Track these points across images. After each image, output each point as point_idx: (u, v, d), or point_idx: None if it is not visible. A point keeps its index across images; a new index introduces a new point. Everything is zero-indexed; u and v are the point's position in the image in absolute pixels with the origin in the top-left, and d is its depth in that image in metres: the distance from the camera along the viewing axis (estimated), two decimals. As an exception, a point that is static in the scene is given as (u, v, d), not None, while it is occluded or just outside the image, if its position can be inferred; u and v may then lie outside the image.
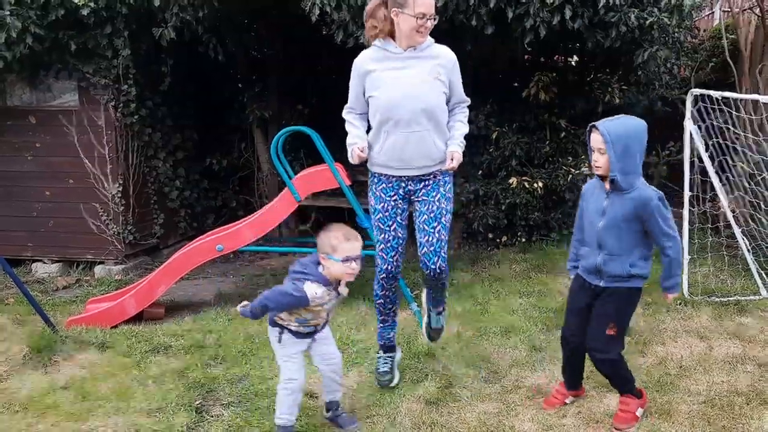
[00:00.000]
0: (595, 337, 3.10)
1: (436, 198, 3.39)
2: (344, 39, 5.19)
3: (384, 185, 3.42)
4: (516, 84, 6.85)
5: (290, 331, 3.05)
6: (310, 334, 3.10)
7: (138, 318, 4.88)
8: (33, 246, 6.36)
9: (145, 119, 6.32)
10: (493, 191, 6.53)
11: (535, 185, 6.38)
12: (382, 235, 3.45)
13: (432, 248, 3.35)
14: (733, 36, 6.73)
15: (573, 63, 7.36)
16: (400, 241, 3.47)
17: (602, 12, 5.08)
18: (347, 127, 3.45)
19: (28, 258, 6.40)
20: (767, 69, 6.33)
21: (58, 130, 6.15)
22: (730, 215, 5.08)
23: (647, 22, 5.16)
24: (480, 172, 6.73)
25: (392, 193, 3.40)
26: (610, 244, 3.01)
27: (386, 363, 3.68)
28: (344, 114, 3.51)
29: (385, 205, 3.41)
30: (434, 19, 3.28)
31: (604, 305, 3.08)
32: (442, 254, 3.38)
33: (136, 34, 5.86)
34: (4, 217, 6.31)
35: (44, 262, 6.35)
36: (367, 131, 3.45)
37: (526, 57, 7.15)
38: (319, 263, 2.96)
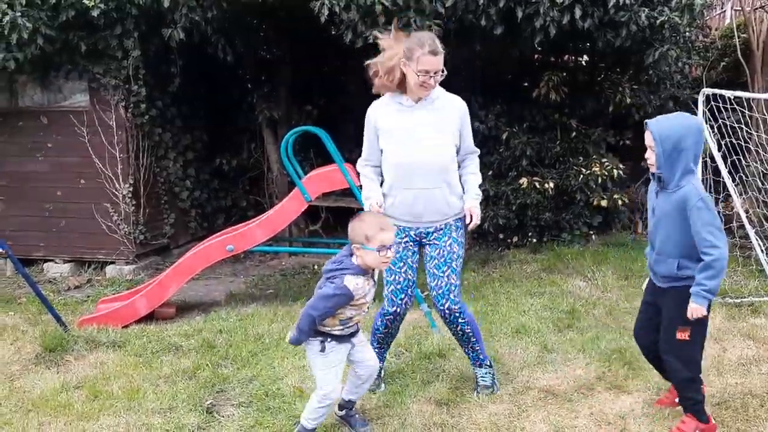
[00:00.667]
0: (669, 347, 2.97)
1: (447, 243, 3.39)
2: (353, 39, 5.19)
3: (395, 228, 3.42)
4: (526, 84, 6.83)
5: (333, 337, 2.94)
6: (352, 335, 3.01)
7: (149, 318, 4.89)
8: (45, 246, 6.40)
9: (155, 119, 6.34)
10: (504, 191, 6.51)
11: (546, 185, 6.35)
12: (393, 277, 3.43)
13: (441, 291, 3.38)
14: (744, 35, 6.68)
15: (583, 63, 7.33)
16: (410, 284, 3.45)
17: (612, 11, 5.05)
18: (362, 180, 3.47)
19: (40, 258, 6.44)
20: (780, 68, 6.28)
21: (70, 131, 6.18)
22: (743, 215, 5.03)
23: (658, 22, 5.13)
24: (490, 172, 6.71)
25: (403, 235, 3.40)
26: (659, 244, 2.94)
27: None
28: (359, 167, 3.49)
29: (397, 247, 3.40)
30: (441, 74, 3.23)
31: (668, 308, 2.96)
32: (452, 297, 3.38)
33: (146, 35, 5.88)
34: (17, 217, 6.36)
35: (56, 262, 6.39)
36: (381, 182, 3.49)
37: (536, 57, 7.13)
38: (351, 254, 2.90)
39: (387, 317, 3.48)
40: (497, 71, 6.89)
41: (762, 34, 6.50)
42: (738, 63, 6.62)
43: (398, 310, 3.45)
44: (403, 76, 3.27)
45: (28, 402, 3.55)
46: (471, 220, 3.33)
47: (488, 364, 3.61)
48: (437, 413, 3.33)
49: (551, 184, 6.38)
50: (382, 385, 3.65)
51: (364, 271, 2.86)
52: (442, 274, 3.37)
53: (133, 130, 6.21)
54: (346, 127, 7.35)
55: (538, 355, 4.01)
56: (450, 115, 3.34)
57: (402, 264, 3.41)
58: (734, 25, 6.90)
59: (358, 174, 5.17)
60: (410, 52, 3.21)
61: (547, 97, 6.38)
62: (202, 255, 5.02)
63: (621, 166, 6.47)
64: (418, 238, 3.41)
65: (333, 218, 7.37)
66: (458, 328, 3.48)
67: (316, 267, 6.53)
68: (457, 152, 3.41)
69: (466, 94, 6.57)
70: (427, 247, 3.43)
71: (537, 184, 6.37)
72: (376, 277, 2.98)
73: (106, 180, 6.20)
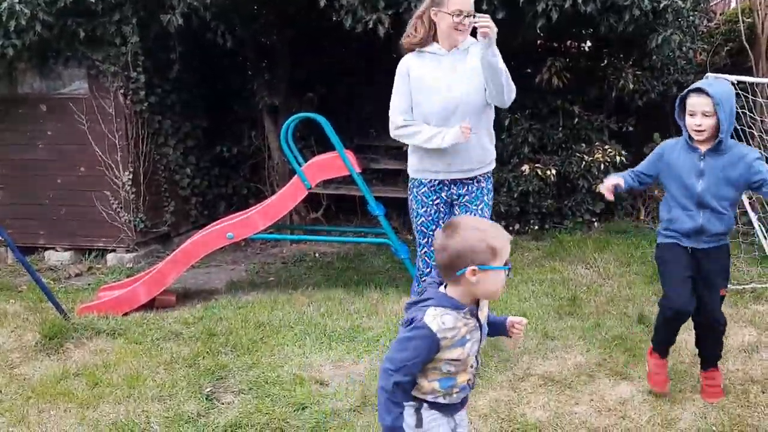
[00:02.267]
0: (716, 306, 3.11)
1: (480, 207, 3.42)
2: (353, 25, 5.14)
3: (426, 189, 3.42)
4: (529, 70, 6.77)
5: (433, 405, 2.01)
6: (461, 404, 2.08)
7: (149, 305, 4.88)
8: (45, 234, 6.39)
9: (155, 107, 6.31)
10: (506, 178, 6.47)
11: (548, 172, 6.31)
12: (425, 239, 3.44)
13: None
14: (749, 19, 6.61)
15: (586, 48, 7.27)
16: None
17: (615, -5, 5.00)
18: (411, 129, 3.31)
19: (40, 246, 6.43)
20: (785, 53, 6.21)
21: (69, 118, 6.15)
22: (746, 202, 5.00)
23: (661, 6, 5.08)
24: (492, 159, 6.66)
25: (435, 197, 3.40)
26: (715, 203, 2.99)
27: None
28: (398, 125, 3.35)
29: (428, 209, 3.41)
30: (473, 17, 3.22)
31: (715, 270, 3.08)
32: None
33: (145, 21, 5.83)
34: (17, 205, 6.34)
35: (56, 250, 6.38)
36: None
37: (538, 42, 7.06)
38: (441, 284, 2.00)
39: (423, 278, 3.47)
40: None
41: (767, 19, 6.43)
42: (743, 48, 6.56)
43: (432, 271, 3.44)
44: (432, 27, 3.25)
45: (28, 389, 3.55)
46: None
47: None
48: (437, 400, 3.32)
49: (553, 171, 6.34)
50: None
51: (458, 305, 1.92)
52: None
53: (133, 117, 6.17)
54: (347, 114, 7.32)
55: (538, 342, 4.00)
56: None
57: (434, 226, 3.42)
58: (739, 10, 6.82)
59: (359, 161, 5.18)
60: None
61: (549, 84, 6.33)
62: (202, 243, 5.01)
63: (623, 152, 6.42)
64: (449, 199, 3.40)
65: (334, 206, 7.35)
66: None
67: (317, 255, 6.51)
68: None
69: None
70: (457, 208, 3.42)
71: (539, 171, 6.34)
72: (484, 317, 2.03)
73: (106, 168, 6.17)
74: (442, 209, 3.42)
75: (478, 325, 1.97)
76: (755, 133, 5.24)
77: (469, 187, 3.41)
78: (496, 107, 3.46)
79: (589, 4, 5.02)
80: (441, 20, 3.25)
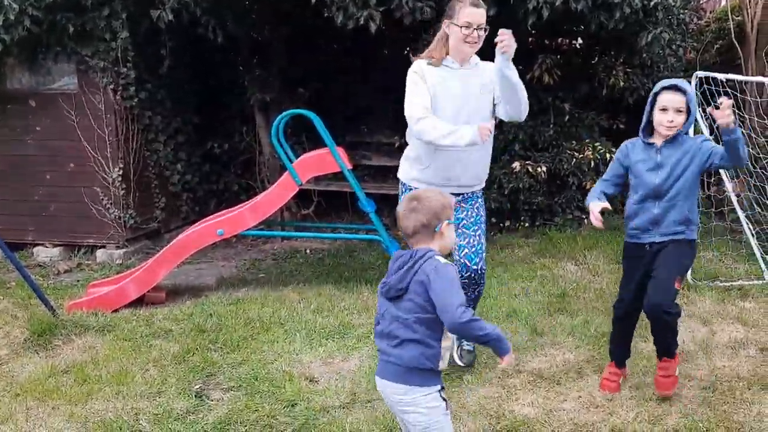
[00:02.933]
0: (663, 291, 3.04)
1: (475, 206, 3.48)
2: (344, 21, 5.13)
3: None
4: (520, 67, 6.74)
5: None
6: None
7: (139, 302, 4.87)
8: (34, 230, 6.35)
9: (145, 102, 6.27)
10: (496, 175, 6.48)
11: (539, 169, 6.33)
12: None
13: (473, 249, 3.43)
14: (739, 18, 6.64)
15: (577, 46, 7.28)
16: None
17: (606, -7, 5.01)
18: (432, 123, 3.22)
19: (29, 242, 6.39)
20: (774, 51, 6.25)
21: (58, 114, 6.11)
22: (734, 199, 5.03)
23: (651, 4, 5.10)
24: (482, 155, 6.67)
25: None
26: (672, 193, 3.05)
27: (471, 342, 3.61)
28: (419, 118, 3.24)
29: None
30: (484, 30, 3.25)
31: (669, 258, 3.07)
32: (483, 256, 3.46)
33: (135, 16, 5.80)
34: (6, 201, 6.31)
35: (46, 247, 6.35)
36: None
37: (530, 40, 7.06)
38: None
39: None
40: (490, 54, 6.82)
41: (756, 17, 6.46)
42: (732, 46, 6.59)
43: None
44: (447, 39, 3.28)
45: (16, 386, 3.54)
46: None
47: None
48: (426, 397, 3.32)
49: (544, 168, 6.35)
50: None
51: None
52: (473, 233, 3.44)
53: (123, 113, 6.14)
54: (340, 111, 7.30)
55: (528, 339, 4.02)
56: (488, 75, 3.35)
57: None
58: (729, 8, 6.86)
59: (350, 157, 5.18)
60: (451, 9, 3.25)
61: (540, 81, 6.33)
62: (193, 239, 5.00)
63: (614, 150, 6.44)
64: None
65: (325, 202, 7.34)
66: (477, 290, 3.54)
67: (308, 251, 6.51)
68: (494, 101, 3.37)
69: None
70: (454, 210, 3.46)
71: (530, 168, 6.35)
72: None
73: (96, 164, 6.14)
74: None
75: None
76: (744, 131, 5.27)
77: (468, 212, 3.45)
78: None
79: (580, 1, 5.04)
80: (452, 32, 3.26)
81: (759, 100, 5.39)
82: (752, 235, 5.03)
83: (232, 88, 7.20)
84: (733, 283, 4.81)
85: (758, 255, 4.99)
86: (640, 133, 3.16)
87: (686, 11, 6.25)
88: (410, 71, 3.36)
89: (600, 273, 5.22)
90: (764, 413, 3.09)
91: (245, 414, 3.20)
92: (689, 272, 4.84)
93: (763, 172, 5.14)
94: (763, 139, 5.33)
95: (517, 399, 3.31)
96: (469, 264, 3.44)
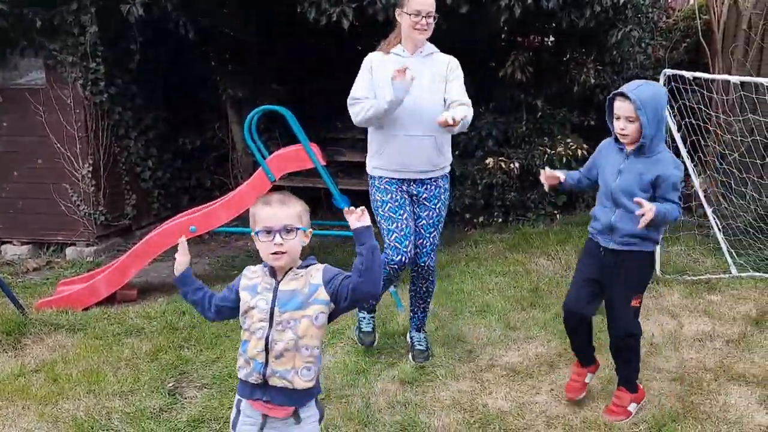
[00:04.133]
0: (624, 320, 3.01)
1: (437, 206, 3.51)
2: (317, 17, 5.11)
3: (387, 180, 3.46)
4: (493, 64, 6.82)
5: (240, 391, 2.14)
6: (256, 397, 2.07)
7: (110, 300, 4.81)
8: (2, 228, 6.24)
9: (115, 98, 6.18)
10: (470, 171, 6.52)
11: (512, 165, 6.38)
12: (395, 224, 3.42)
13: (425, 249, 3.53)
14: (706, 17, 6.76)
15: (549, 43, 7.35)
16: (412, 230, 3.46)
17: (576, -9, 5.07)
18: (361, 105, 3.30)
19: (-3, 240, 6.28)
20: (739, 49, 6.38)
21: (26, 110, 6.00)
22: (702, 195, 5.14)
23: (621, 2, 5.17)
24: (456, 152, 6.69)
25: (396, 187, 3.44)
26: (626, 201, 2.93)
27: (369, 323, 3.77)
28: (350, 104, 3.36)
29: (393, 195, 3.44)
30: (433, 18, 3.31)
31: (623, 276, 2.98)
32: (432, 255, 3.56)
33: (104, 10, 5.70)
34: (-28, 198, 6.18)
35: (14, 244, 6.24)
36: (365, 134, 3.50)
37: (502, 37, 7.12)
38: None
39: (392, 265, 3.44)
40: (464, 51, 6.84)
41: (722, 16, 6.58)
42: (699, 44, 6.71)
43: (403, 258, 3.42)
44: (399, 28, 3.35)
45: (-16, 387, 3.47)
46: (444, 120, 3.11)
47: (425, 330, 3.79)
48: (401, 392, 3.35)
49: (517, 164, 6.41)
50: (377, 338, 3.84)
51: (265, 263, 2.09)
52: (428, 235, 3.52)
53: (92, 108, 6.05)
54: (313, 107, 7.28)
55: (501, 333, 4.06)
56: (442, 68, 3.40)
57: (402, 212, 3.43)
58: (696, 7, 6.97)
59: (324, 154, 5.17)
60: None
61: (513, 78, 6.38)
62: (164, 236, 4.95)
63: (585, 146, 6.52)
64: (408, 193, 3.44)
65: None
66: (425, 285, 3.63)
67: (281, 248, 6.49)
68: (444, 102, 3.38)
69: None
70: (417, 206, 3.49)
71: (503, 164, 6.40)
72: (288, 287, 2.04)
73: (65, 160, 6.04)
74: (406, 196, 3.47)
75: (274, 287, 2.05)
76: (710, 128, 5.38)
77: (428, 186, 3.47)
78: None
79: (551, 0, 5.08)
80: (402, 21, 3.32)
81: (725, 97, 5.50)
82: (719, 230, 5.13)
83: (205, 83, 7.13)
84: (701, 277, 4.91)
85: (725, 249, 5.10)
86: (614, 136, 3.07)
87: (655, 10, 6.35)
88: (362, 64, 3.42)
89: (572, 267, 5.24)
90: (730, 403, 3.17)
91: (219, 411, 3.18)
92: (658, 266, 4.94)
93: (729, 169, 5.26)
94: (729, 136, 5.45)
95: (491, 393, 3.34)
96: (417, 261, 3.54)
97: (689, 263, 5.25)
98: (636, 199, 2.83)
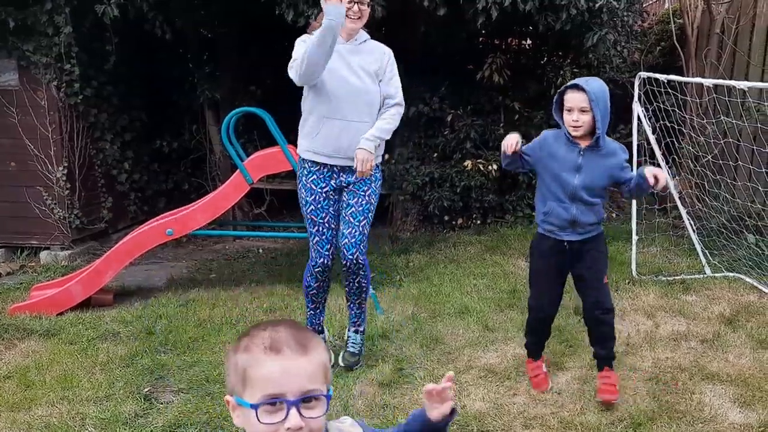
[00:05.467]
0: (602, 295, 3.15)
1: (367, 193, 3.45)
2: (294, 18, 5.10)
3: (315, 177, 3.42)
4: (470, 66, 6.86)
5: None
6: None
7: (85, 305, 4.74)
8: (-27, 232, 6.12)
9: (90, 99, 6.10)
10: (449, 174, 6.55)
11: (490, 168, 6.41)
12: (316, 228, 3.44)
13: (353, 240, 3.41)
14: (680, 20, 6.85)
15: (527, 46, 7.40)
16: (334, 233, 3.47)
17: (552, -6, 5.11)
18: (297, 60, 3.28)
19: (-32, 244, 6.16)
20: (712, 53, 6.47)
21: (-2, 111, 5.90)
22: (676, 196, 5.20)
23: (597, 6, 5.21)
24: (435, 154, 6.73)
25: (324, 185, 3.41)
26: (588, 196, 3.08)
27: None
28: (289, 68, 3.38)
29: (317, 197, 3.42)
30: (366, 5, 3.30)
31: (593, 260, 3.14)
32: (362, 247, 3.44)
33: (79, 10, 5.63)
34: (-58, 201, 6.05)
35: (-14, 249, 6.13)
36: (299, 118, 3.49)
37: (480, 39, 7.16)
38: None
39: (316, 269, 3.47)
40: (443, 53, 6.89)
41: (696, 20, 6.68)
42: (674, 48, 6.80)
43: (325, 261, 3.45)
44: None
45: (-46, 394, 3.40)
46: (358, 167, 3.27)
47: (362, 331, 3.72)
48: (380, 394, 3.34)
49: (495, 167, 6.44)
50: (331, 354, 3.69)
51: None
52: (357, 224, 3.42)
53: (67, 110, 5.96)
54: (292, 108, 7.24)
55: (479, 335, 4.07)
56: (374, 57, 3.40)
57: (324, 214, 3.42)
58: (670, 11, 7.07)
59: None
60: None
61: (491, 80, 6.42)
62: (141, 239, 4.89)
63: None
64: (338, 186, 3.42)
65: (277, 201, 7.29)
66: (357, 280, 3.56)
67: (260, 251, 6.46)
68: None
69: (411, 76, 6.58)
70: (346, 194, 3.44)
71: (481, 167, 6.43)
72: None
73: (39, 163, 5.95)
74: (331, 197, 3.43)
75: None
76: (685, 131, 5.45)
77: (359, 198, 3.43)
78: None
79: (527, 2, 5.11)
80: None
81: (699, 100, 5.58)
82: (693, 230, 5.20)
83: (182, 85, 7.07)
84: (676, 278, 4.97)
85: (699, 250, 5.17)
86: (564, 128, 3.11)
87: (630, 14, 6.41)
88: (298, 39, 3.41)
89: (549, 269, 5.31)
90: (705, 402, 3.21)
91: (196, 416, 3.15)
92: (634, 267, 4.99)
93: (703, 170, 5.33)
94: (703, 139, 5.52)
95: (469, 394, 3.35)
96: (346, 253, 3.44)
97: (664, 264, 5.32)
98: (650, 174, 2.89)
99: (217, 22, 6.79)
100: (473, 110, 6.71)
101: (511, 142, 3.09)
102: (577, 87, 2.98)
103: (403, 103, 3.49)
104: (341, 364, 3.64)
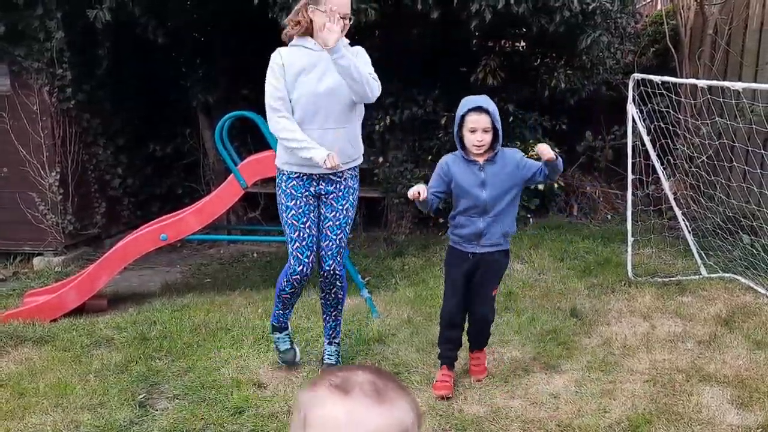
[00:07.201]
0: (487, 302, 3.41)
1: (345, 207, 3.44)
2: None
3: (295, 182, 3.40)
4: (464, 69, 6.85)
5: None
6: None
7: (79, 311, 4.71)
8: (-34, 238, 6.08)
9: (83, 104, 6.08)
10: (443, 176, 6.52)
11: (484, 170, 6.39)
12: (296, 233, 3.40)
13: (330, 252, 3.43)
14: (674, 22, 6.87)
15: (520, 48, 7.40)
16: (315, 239, 3.45)
17: (546, -3, 5.11)
18: (292, 134, 3.24)
19: (-40, 251, 6.12)
20: (706, 54, 6.49)
21: (-10, 117, 5.87)
22: (671, 197, 5.20)
23: (590, 7, 5.22)
24: (429, 157, 6.71)
25: (303, 190, 3.39)
26: (497, 209, 3.26)
27: (285, 341, 3.67)
28: (275, 120, 3.29)
29: (298, 201, 3.39)
30: (348, 19, 3.26)
31: (489, 272, 3.35)
32: (338, 259, 3.46)
33: (70, 15, 5.61)
34: (-66, 208, 6.02)
35: (-22, 255, 6.09)
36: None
37: (473, 42, 7.15)
38: None
39: (294, 276, 3.43)
40: (436, 56, 6.88)
41: (689, 21, 6.69)
42: (667, 49, 6.81)
43: (305, 269, 3.42)
44: (310, 23, 3.27)
45: (-54, 403, 3.37)
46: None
47: (338, 342, 3.73)
48: (376, 399, 3.32)
49: (489, 169, 6.42)
50: (298, 350, 3.73)
51: None
52: (335, 237, 3.42)
53: (59, 115, 5.94)
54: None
55: (476, 338, 4.05)
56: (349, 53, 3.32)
57: (305, 219, 3.40)
58: (664, 13, 7.08)
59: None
60: None
61: (484, 82, 6.40)
62: (134, 244, 4.86)
63: (556, 149, 6.58)
64: (316, 193, 3.41)
65: (272, 205, 7.26)
66: (333, 291, 3.56)
67: (255, 255, 6.43)
68: None
69: (405, 78, 6.58)
70: (323, 207, 3.43)
71: (475, 169, 6.41)
72: None
73: (32, 168, 5.92)
74: (311, 202, 3.41)
75: None
76: (679, 132, 5.46)
77: (337, 185, 3.41)
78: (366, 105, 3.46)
79: (521, 4, 5.11)
80: (318, 18, 3.24)
81: (693, 101, 5.58)
82: (689, 231, 5.20)
83: (175, 89, 7.05)
84: (672, 279, 4.97)
85: (694, 251, 5.17)
86: (460, 151, 3.27)
87: (624, 15, 6.42)
88: (270, 61, 3.35)
89: (545, 271, 5.32)
90: (702, 404, 3.20)
91: (191, 422, 3.12)
92: (630, 268, 4.99)
93: (698, 171, 5.33)
94: (698, 140, 5.53)
95: (466, 398, 3.33)
96: (323, 264, 3.45)
97: (660, 265, 5.31)
98: (543, 155, 3.20)
99: (210, 26, 6.78)
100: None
101: (414, 192, 3.18)
102: (480, 109, 3.14)
103: (378, 82, 3.32)
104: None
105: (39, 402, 3.35)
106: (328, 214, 3.43)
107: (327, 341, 3.71)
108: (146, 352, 3.93)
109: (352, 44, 3.39)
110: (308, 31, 3.31)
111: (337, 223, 3.43)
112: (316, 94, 3.27)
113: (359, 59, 3.31)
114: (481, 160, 3.24)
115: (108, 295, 5.09)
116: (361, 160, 3.53)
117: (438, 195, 3.32)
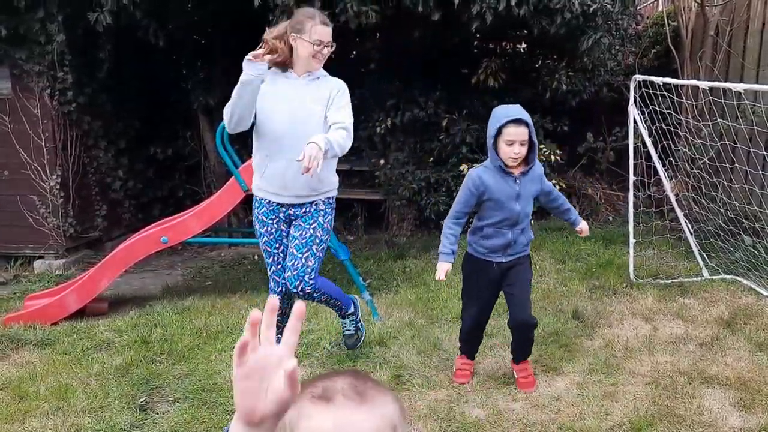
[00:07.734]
0: (526, 308, 3.34)
1: (312, 226, 3.40)
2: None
3: (265, 209, 3.42)
4: (465, 71, 6.85)
5: None
6: None
7: (80, 314, 4.71)
8: (-33, 241, 6.08)
9: (84, 107, 6.08)
10: (444, 178, 6.53)
11: (485, 172, 6.39)
12: (271, 258, 3.47)
13: (296, 272, 3.35)
14: (674, 23, 6.86)
15: (521, 50, 7.40)
16: None
17: (547, -1, 5.11)
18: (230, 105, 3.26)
19: (-39, 254, 6.12)
20: (707, 55, 6.48)
21: (-9, 120, 5.88)
22: (673, 199, 5.19)
23: (591, 9, 5.21)
24: (431, 159, 6.72)
25: (273, 217, 3.41)
26: (524, 219, 3.30)
27: (353, 325, 3.82)
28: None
29: (269, 228, 3.42)
30: (331, 47, 3.28)
31: (520, 276, 3.34)
32: (306, 279, 3.35)
33: (71, 18, 5.61)
34: (-65, 211, 6.02)
35: (-21, 258, 6.09)
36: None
37: (475, 44, 7.15)
38: None
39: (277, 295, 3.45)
40: (437, 58, 6.88)
41: (690, 22, 6.68)
42: (668, 50, 6.80)
43: (284, 290, 3.46)
44: (289, 51, 3.27)
45: (-54, 406, 3.36)
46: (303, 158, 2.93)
47: (350, 314, 3.77)
48: (377, 402, 3.31)
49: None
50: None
51: None
52: (300, 256, 3.37)
53: (60, 118, 5.94)
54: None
55: (477, 341, 4.04)
56: (327, 87, 3.33)
57: (278, 245, 3.44)
58: (665, 14, 7.07)
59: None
60: (301, 24, 3.23)
61: (486, 84, 6.41)
62: (135, 247, 4.86)
63: (558, 151, 6.58)
64: (288, 219, 3.42)
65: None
66: (314, 302, 3.59)
67: (256, 257, 6.42)
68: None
69: (406, 80, 6.58)
70: (293, 227, 3.44)
71: (476, 171, 6.40)
72: None
73: (33, 171, 5.92)
74: (282, 228, 3.43)
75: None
76: (681, 133, 5.44)
77: (306, 208, 3.40)
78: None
79: (522, 6, 5.11)
80: (300, 47, 3.24)
81: (694, 103, 5.56)
82: (690, 233, 5.19)
83: (176, 91, 7.05)
84: (674, 280, 4.95)
85: (696, 252, 5.16)
86: (492, 162, 3.21)
87: (625, 16, 6.42)
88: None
89: (547, 273, 5.30)
90: (704, 406, 3.19)
91: (192, 426, 3.12)
92: (631, 270, 4.98)
93: (699, 173, 5.32)
94: (699, 141, 5.52)
95: (467, 401, 3.32)
96: (289, 286, 3.39)
97: (662, 267, 5.30)
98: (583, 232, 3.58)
99: (211, 28, 6.78)
100: (468, 114, 6.69)
101: (441, 276, 3.27)
102: (519, 121, 3.09)
103: (352, 132, 3.26)
104: (347, 350, 3.83)
105: (40, 405, 3.35)
106: (295, 234, 3.40)
107: (340, 318, 3.82)
108: (147, 355, 3.92)
109: (348, 56, 3.39)
110: (285, 61, 3.28)
111: (303, 241, 3.35)
112: (284, 122, 3.24)
113: (341, 100, 3.30)
114: (516, 172, 3.22)
115: (109, 298, 5.08)
116: (334, 192, 3.51)
117: (460, 223, 3.33)
